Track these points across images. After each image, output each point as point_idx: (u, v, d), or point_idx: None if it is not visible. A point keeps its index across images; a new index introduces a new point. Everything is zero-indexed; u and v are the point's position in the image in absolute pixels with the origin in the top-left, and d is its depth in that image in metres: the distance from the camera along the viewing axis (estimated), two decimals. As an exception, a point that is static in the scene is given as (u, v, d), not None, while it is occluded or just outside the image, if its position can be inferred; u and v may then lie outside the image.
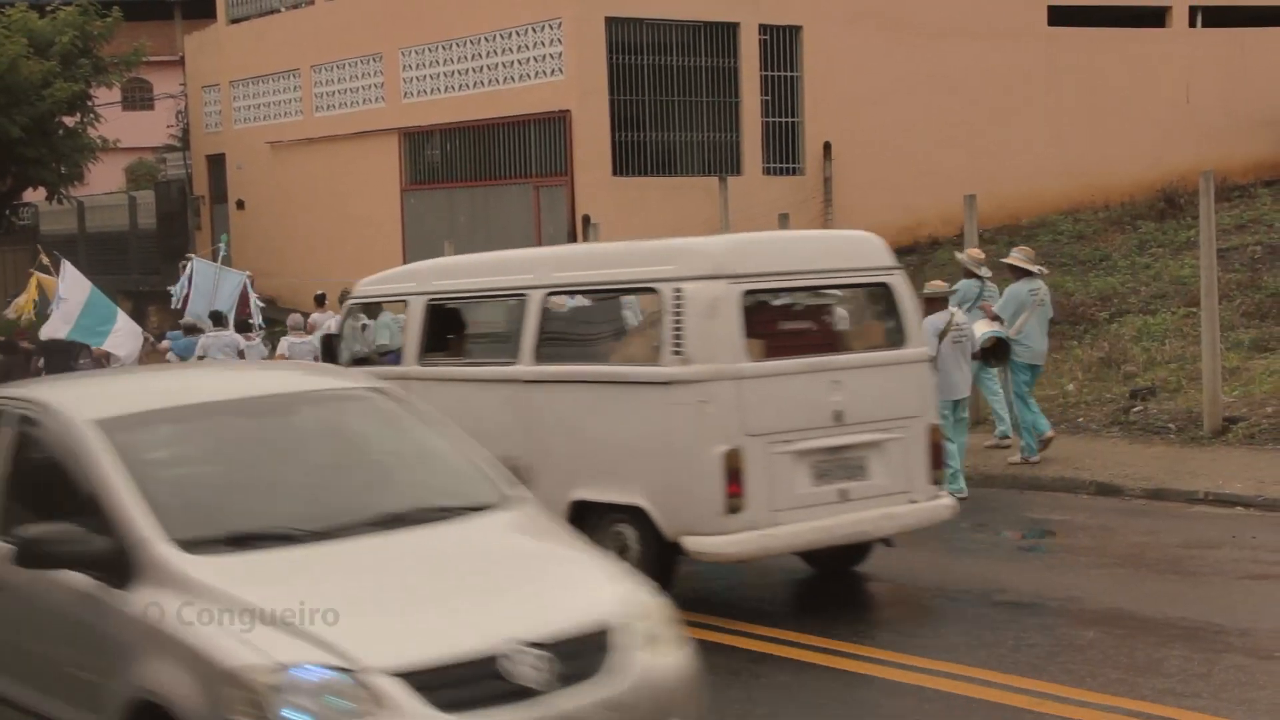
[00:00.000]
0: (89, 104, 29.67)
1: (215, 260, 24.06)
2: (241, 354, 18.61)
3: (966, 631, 8.26)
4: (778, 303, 9.27)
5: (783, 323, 9.22)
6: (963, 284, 13.74)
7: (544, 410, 9.15)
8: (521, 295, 9.41)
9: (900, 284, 9.27)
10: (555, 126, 23.33)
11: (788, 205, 23.00)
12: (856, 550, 9.63)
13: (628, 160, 23.49)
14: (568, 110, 23.02)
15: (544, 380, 9.16)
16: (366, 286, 11.33)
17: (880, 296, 9.30)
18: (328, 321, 18.24)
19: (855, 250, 9.40)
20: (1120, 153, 26.39)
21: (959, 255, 14.43)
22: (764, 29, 24.37)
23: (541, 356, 9.22)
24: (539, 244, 23.46)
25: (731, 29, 24.12)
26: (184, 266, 24.46)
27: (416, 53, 25.76)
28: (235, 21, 30.77)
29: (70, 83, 28.19)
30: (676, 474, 8.37)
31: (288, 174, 28.99)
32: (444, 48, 25.18)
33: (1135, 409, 14.51)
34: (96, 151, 29.96)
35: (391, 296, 11.40)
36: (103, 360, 21.37)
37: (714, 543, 8.33)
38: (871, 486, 8.78)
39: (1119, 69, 26.79)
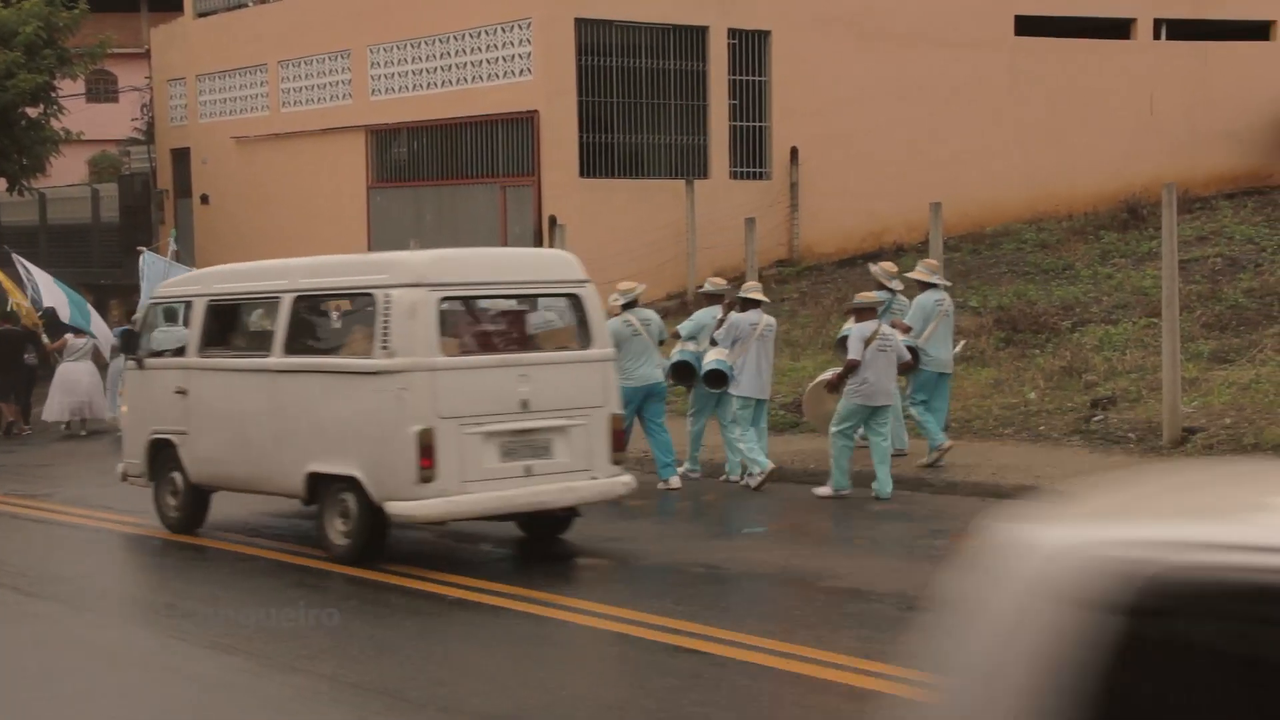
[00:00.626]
0: (53, 96, 29.39)
1: (167, 255, 23.97)
2: None
3: (927, 638, 8.28)
4: (478, 307, 11.15)
5: (480, 324, 11.08)
6: (940, 289, 14.22)
7: (288, 395, 10.95)
8: (276, 298, 11.26)
9: (589, 295, 11.08)
10: (523, 127, 23.32)
11: (754, 209, 23.06)
12: (561, 520, 11.36)
13: (595, 162, 23.51)
14: (535, 110, 23.01)
15: (289, 370, 10.98)
16: (166, 289, 13.33)
17: (572, 305, 11.15)
18: None
19: (550, 265, 11.60)
20: (1084, 163, 26.60)
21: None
22: (733, 33, 24.44)
23: (289, 350, 11.02)
24: (504, 244, 23.48)
25: (701, 32, 24.17)
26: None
27: (385, 50, 25.70)
28: (202, 15, 30.60)
29: (34, 74, 27.92)
30: (382, 449, 10.12)
31: (254, 169, 28.85)
32: (412, 45, 25.13)
33: (1096, 418, 14.63)
34: (59, 144, 29.70)
35: (182, 298, 12.82)
36: (54, 356, 21.46)
37: (409, 507, 10.08)
38: (555, 464, 10.58)
39: (1084, 79, 27.00)
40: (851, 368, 12.81)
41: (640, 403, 13.78)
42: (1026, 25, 27.06)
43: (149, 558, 11.91)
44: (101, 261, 32.67)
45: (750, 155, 25.01)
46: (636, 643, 8.39)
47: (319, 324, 11.79)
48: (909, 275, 14.39)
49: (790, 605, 9.64)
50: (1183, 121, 27.78)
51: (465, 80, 24.23)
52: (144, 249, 24.22)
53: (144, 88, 36.04)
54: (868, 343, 12.76)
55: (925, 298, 13.82)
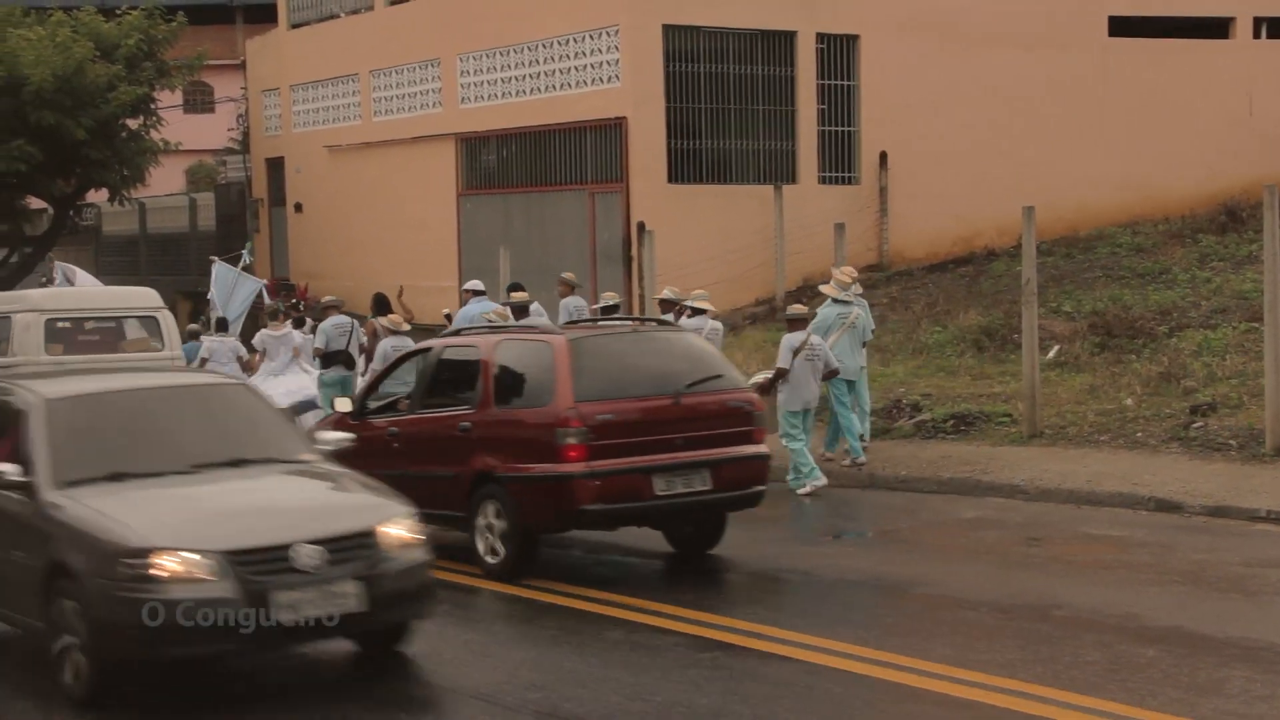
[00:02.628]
0: (152, 107, 29.97)
1: (237, 266, 24.43)
2: (240, 359, 19.79)
3: (1022, 647, 8.22)
4: (84, 325, 16.86)
5: (81, 335, 16.61)
6: (857, 301, 15.40)
7: None
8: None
9: (164, 317, 17.40)
10: (611, 133, 23.38)
11: (842, 214, 22.92)
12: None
13: (683, 168, 23.51)
14: (624, 117, 23.07)
15: None
16: None
17: (151, 323, 17.12)
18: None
19: (135, 298, 18.09)
20: (1180, 165, 26.14)
21: (835, 271, 15.93)
22: (821, 38, 24.33)
23: None
24: (594, 251, 23.57)
25: (789, 37, 24.09)
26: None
27: (474, 58, 25.89)
28: (296, 26, 31.03)
29: (134, 86, 28.49)
30: None
31: (345, 178, 29.20)
32: (501, 54, 25.30)
33: (1195, 425, 14.37)
34: (158, 154, 30.24)
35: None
36: None
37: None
38: None
39: (1179, 80, 26.54)
40: (780, 375, 13.92)
41: None
42: (1120, 26, 26.67)
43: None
44: (198, 270, 33.16)
45: (839, 160, 24.88)
46: (729, 649, 8.38)
47: None
48: (821, 289, 15.49)
49: (883, 612, 9.58)
50: (1282, 122, 27.23)
51: (554, 88, 24.34)
52: (216, 259, 24.69)
53: (239, 98, 36.61)
54: (796, 352, 13.87)
55: (828, 310, 14.99)
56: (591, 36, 23.56)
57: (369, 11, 28.87)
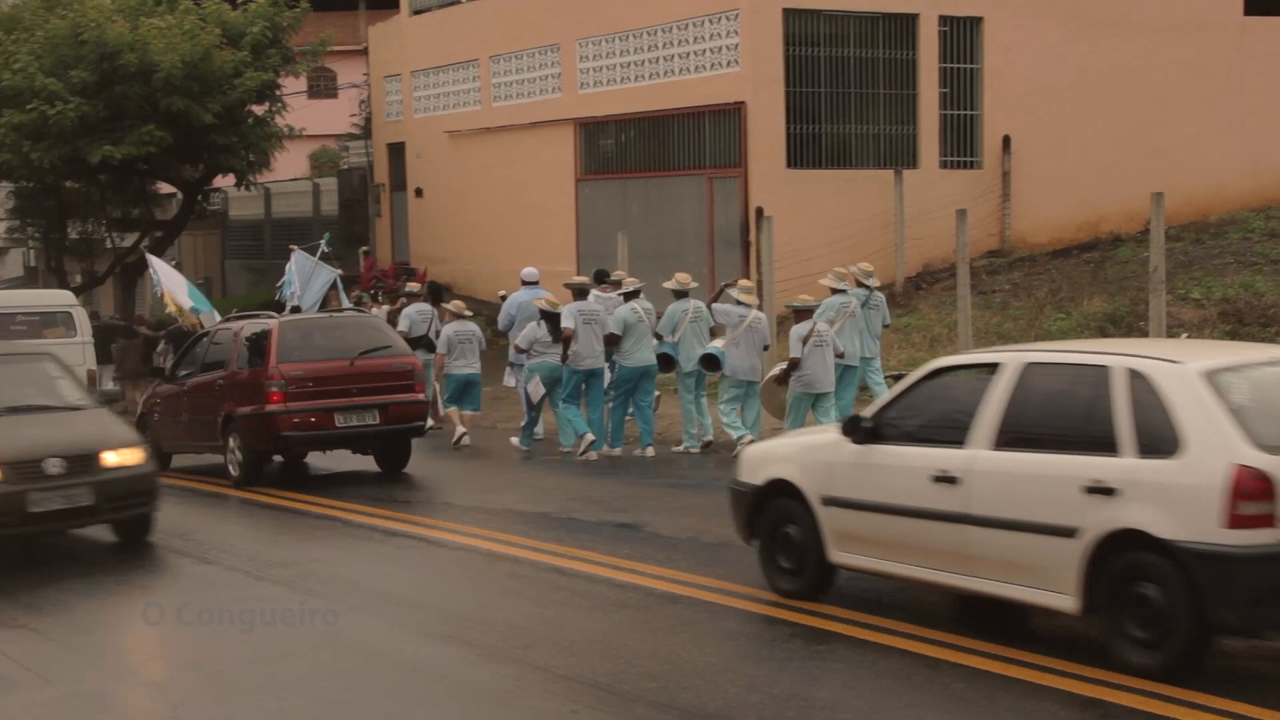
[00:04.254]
0: (277, 93, 30.44)
1: (315, 255, 24.74)
2: None
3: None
4: (15, 318, 20.87)
5: (13, 326, 20.58)
6: (853, 291, 16.08)
7: None
8: None
9: (77, 312, 21.59)
10: (730, 118, 23.30)
11: (964, 199, 22.65)
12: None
13: (802, 152, 23.37)
14: (743, 102, 22.97)
15: None
16: None
17: (66, 317, 21.28)
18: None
19: (56, 298, 22.29)
20: (1316, 148, 25.42)
21: (851, 268, 16.72)
22: (944, 20, 24.03)
23: None
24: (711, 236, 23.51)
25: (910, 20, 23.82)
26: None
27: (593, 43, 25.95)
28: (418, 13, 31.33)
29: (260, 72, 28.96)
30: None
31: (465, 163, 29.45)
32: (620, 39, 25.32)
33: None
34: (283, 139, 30.72)
35: None
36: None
37: None
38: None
39: (1317, 61, 25.80)
40: (794, 365, 14.70)
41: (636, 381, 16.08)
42: (1257, 4, 25.97)
43: (373, 546, 12.27)
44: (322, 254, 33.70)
45: (961, 144, 24.56)
46: (847, 641, 8.32)
47: None
48: (820, 281, 16.47)
49: (1006, 608, 9.41)
50: None
51: (672, 72, 24.31)
52: (295, 248, 25.06)
53: (362, 84, 37.07)
54: (805, 340, 14.62)
55: (831, 300, 15.79)
56: (711, 21, 23.48)
57: (489, -3, 29.06)
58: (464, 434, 17.79)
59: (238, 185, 32.16)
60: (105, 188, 30.84)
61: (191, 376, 16.67)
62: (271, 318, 16.27)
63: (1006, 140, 24.53)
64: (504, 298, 19.37)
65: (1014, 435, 8.09)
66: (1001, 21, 24.38)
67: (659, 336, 16.15)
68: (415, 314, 19.39)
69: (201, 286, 38.09)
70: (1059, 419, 8.07)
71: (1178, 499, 7.24)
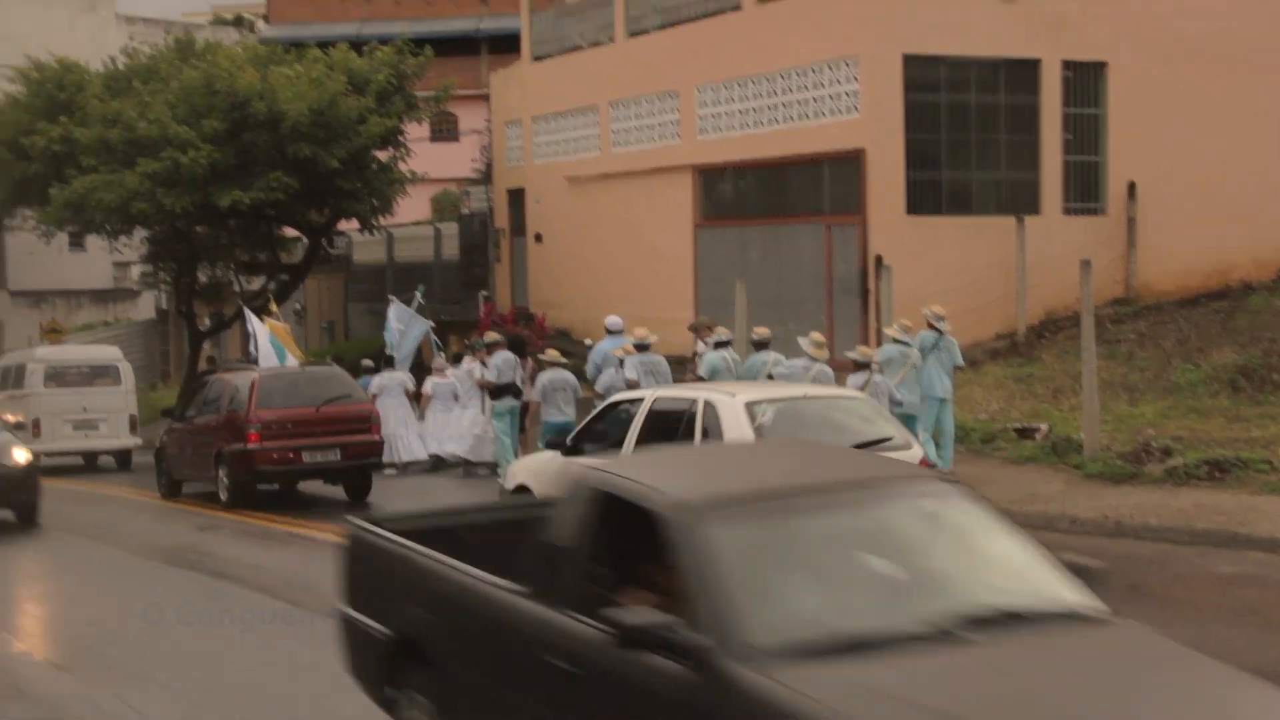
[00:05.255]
0: (400, 139, 30.95)
1: (410, 306, 25.43)
2: (407, 391, 22.75)
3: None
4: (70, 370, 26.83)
5: (69, 376, 26.51)
6: (922, 334, 16.69)
7: None
8: None
9: (123, 365, 27.23)
10: (849, 165, 23.21)
11: (1088, 246, 22.28)
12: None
13: (922, 199, 23.18)
14: (862, 149, 22.87)
15: None
16: None
17: (115, 369, 26.58)
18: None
19: (104, 354, 28.25)
20: None
21: (924, 310, 17.18)
22: (1067, 65, 23.73)
23: None
24: (830, 283, 23.40)
25: (1033, 65, 23.56)
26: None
27: (712, 90, 26.03)
28: (539, 59, 31.68)
29: (384, 119, 29.49)
30: None
31: (585, 208, 29.65)
32: (739, 85, 25.37)
33: None
34: (406, 184, 31.21)
35: None
36: None
37: None
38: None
39: None
40: None
41: None
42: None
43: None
44: (442, 298, 34.14)
45: (1084, 190, 24.21)
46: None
47: None
48: (885, 331, 17.10)
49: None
50: None
51: (791, 119, 24.29)
52: (393, 299, 25.87)
53: (483, 130, 37.53)
54: (862, 390, 14.84)
55: (889, 349, 16.44)
56: (830, 67, 23.43)
57: (609, 44, 29.29)
58: None
59: (361, 230, 32.74)
60: (234, 232, 31.53)
61: (196, 418, 20.02)
62: (253, 371, 19.86)
63: (1132, 186, 24.12)
64: (589, 346, 20.04)
65: (644, 441, 11.88)
66: (1126, 66, 24.02)
67: None
68: (502, 362, 20.19)
69: (325, 330, 38.87)
70: (665, 430, 11.89)
71: None
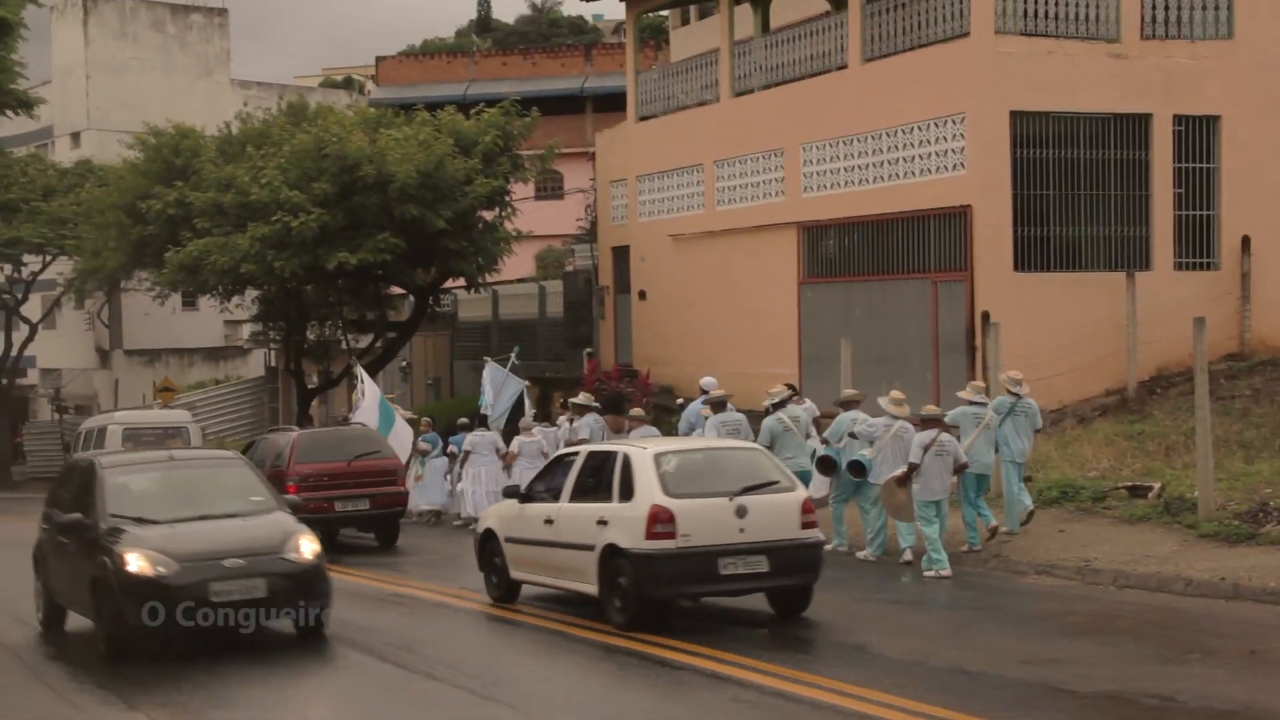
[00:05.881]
0: (506, 199, 31.31)
1: (505, 367, 25.99)
2: (498, 450, 23.48)
3: None
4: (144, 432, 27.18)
5: (144, 438, 26.18)
6: (998, 400, 17.28)
7: None
8: None
9: (192, 427, 27.82)
10: (955, 221, 23.06)
11: (1201, 302, 21.96)
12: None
13: (1029, 255, 22.95)
14: (969, 205, 22.72)
15: None
16: None
17: (185, 431, 27.28)
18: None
19: (176, 417, 29.54)
20: None
21: (1000, 376, 17.98)
22: (1178, 119, 23.44)
23: None
24: (935, 341, 23.22)
25: (1143, 120, 23.29)
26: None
27: (817, 148, 26.02)
28: (644, 119, 31.92)
29: (490, 179, 29.86)
30: None
31: (688, 266, 29.73)
32: (844, 143, 25.34)
33: None
34: (511, 243, 31.53)
35: None
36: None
37: None
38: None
39: None
40: (912, 469, 15.81)
41: None
42: None
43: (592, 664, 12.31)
44: (546, 355, 34.37)
45: (1197, 245, 23.82)
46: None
47: None
48: (959, 394, 17.52)
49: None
50: None
51: (897, 176, 24.21)
52: (488, 359, 26.61)
53: (588, 189, 37.88)
54: (926, 448, 15.73)
55: (963, 410, 16.88)
56: (937, 124, 23.34)
57: (714, 104, 29.43)
58: None
59: (468, 288, 33.09)
60: (342, 291, 32.04)
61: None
62: (293, 431, 22.96)
63: (1246, 240, 23.70)
64: (682, 405, 20.74)
65: (577, 492, 13.91)
66: (1239, 119, 23.66)
67: (826, 442, 17.72)
68: (593, 423, 21.00)
69: (431, 387, 39.26)
70: (594, 481, 13.76)
71: (630, 524, 12.84)
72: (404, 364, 40.04)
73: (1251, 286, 23.67)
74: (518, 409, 25.46)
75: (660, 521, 12.52)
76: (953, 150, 23.11)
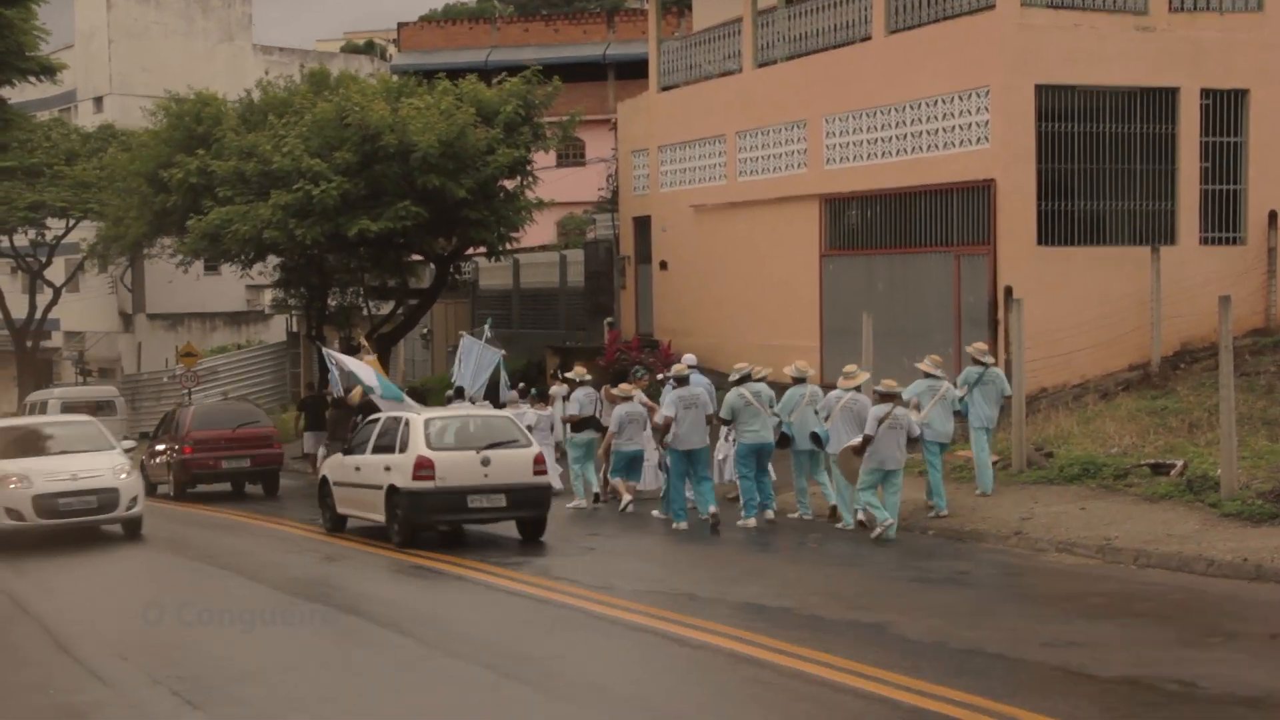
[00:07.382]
0: (528, 167, 31.23)
1: (480, 339, 26.11)
2: None
3: None
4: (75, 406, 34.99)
5: (75, 410, 32.18)
6: (966, 371, 18.54)
7: None
8: None
9: (119, 400, 39.19)
10: (979, 195, 22.92)
11: (1226, 277, 21.85)
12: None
13: (1053, 229, 22.82)
14: (992, 179, 22.58)
15: None
16: None
17: (111, 404, 37.86)
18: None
19: (100, 392, 40.79)
20: None
21: (967, 348, 19.27)
22: (1206, 93, 23.24)
23: None
24: (958, 314, 23.13)
25: (1171, 94, 23.10)
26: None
27: (840, 120, 25.88)
28: (666, 89, 31.76)
29: (512, 149, 29.78)
30: None
31: (709, 237, 29.65)
32: (868, 115, 25.19)
33: None
34: (532, 211, 31.47)
35: None
36: None
37: None
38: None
39: None
40: (867, 440, 16.64)
41: (754, 455, 18.35)
42: None
43: (612, 641, 12.34)
44: (567, 324, 34.37)
45: (1222, 220, 23.66)
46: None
47: None
48: (917, 366, 18.32)
49: None
50: None
51: (920, 149, 24.06)
52: (464, 333, 26.95)
53: (610, 158, 37.74)
54: (881, 421, 16.57)
55: (919, 384, 17.84)
56: (961, 98, 23.17)
57: (737, 74, 29.27)
58: (629, 501, 20.27)
59: (489, 257, 33.06)
60: (364, 259, 32.06)
61: (167, 435, 27.73)
62: (192, 404, 30.45)
63: (1273, 215, 23.53)
64: (664, 380, 20.74)
65: (375, 448, 18.41)
66: (1268, 94, 23.46)
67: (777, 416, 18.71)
68: (584, 396, 21.80)
69: (452, 354, 39.35)
70: (388, 439, 18.19)
71: (403, 469, 17.36)
72: (425, 331, 40.07)
73: (1278, 261, 23.51)
74: (495, 385, 25.86)
75: (422, 467, 17.07)
76: (977, 124, 22.95)
